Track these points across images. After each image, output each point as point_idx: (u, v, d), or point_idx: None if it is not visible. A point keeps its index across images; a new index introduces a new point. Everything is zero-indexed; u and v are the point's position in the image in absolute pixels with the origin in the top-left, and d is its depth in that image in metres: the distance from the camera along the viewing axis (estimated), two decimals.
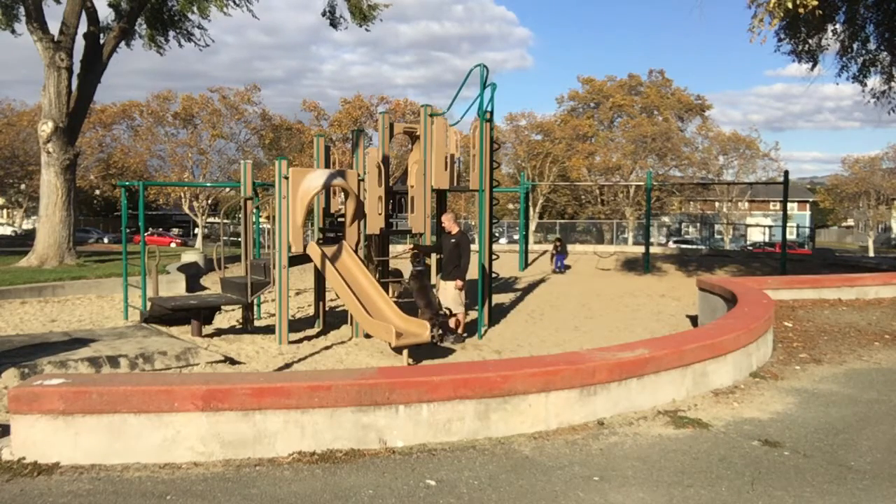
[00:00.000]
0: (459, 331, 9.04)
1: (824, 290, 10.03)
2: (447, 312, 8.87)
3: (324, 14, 20.31)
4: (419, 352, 7.96)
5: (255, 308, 10.33)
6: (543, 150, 46.05)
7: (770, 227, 42.87)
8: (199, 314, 9.00)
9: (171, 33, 20.12)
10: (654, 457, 3.97)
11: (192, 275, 15.30)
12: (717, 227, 48.96)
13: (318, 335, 9.34)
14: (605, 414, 4.60)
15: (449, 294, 8.98)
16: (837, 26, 15.94)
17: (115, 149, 43.98)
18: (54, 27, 17.60)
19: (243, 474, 3.61)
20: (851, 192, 52.74)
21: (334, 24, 20.38)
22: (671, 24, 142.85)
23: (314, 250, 8.63)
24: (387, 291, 8.91)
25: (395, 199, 9.83)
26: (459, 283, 8.93)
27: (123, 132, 44.21)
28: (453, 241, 9.01)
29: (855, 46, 16.45)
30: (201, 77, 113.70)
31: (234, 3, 18.32)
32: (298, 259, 8.95)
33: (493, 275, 10.55)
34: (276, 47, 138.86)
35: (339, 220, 9.71)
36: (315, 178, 8.56)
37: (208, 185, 35.30)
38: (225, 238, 12.45)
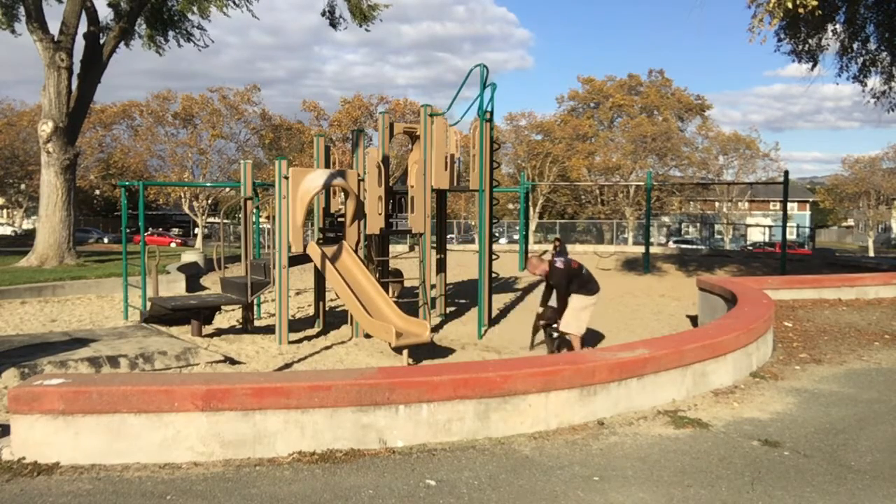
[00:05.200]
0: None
1: (824, 290, 10.03)
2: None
3: (323, 14, 20.30)
4: (419, 352, 7.96)
5: (255, 308, 10.32)
6: (543, 150, 46.05)
7: (770, 227, 42.86)
8: (199, 314, 9.00)
9: (171, 33, 20.12)
10: (654, 457, 3.97)
11: (192, 275, 15.29)
12: (717, 227, 48.94)
13: (318, 335, 9.34)
14: (605, 414, 4.60)
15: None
16: (837, 26, 15.93)
17: (115, 149, 43.98)
18: (54, 27, 17.62)
19: (243, 474, 3.60)
20: (851, 192, 52.72)
21: (334, 24, 20.36)
22: (671, 23, 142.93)
23: (314, 250, 8.64)
24: (387, 291, 8.91)
25: (395, 199, 9.83)
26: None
27: (123, 132, 44.26)
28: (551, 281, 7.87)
29: (855, 46, 16.44)
30: (203, 77, 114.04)
31: (234, 3, 18.32)
32: (298, 259, 8.95)
33: (493, 275, 10.55)
34: (278, 48, 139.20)
35: (339, 220, 9.71)
36: (315, 178, 8.56)
37: (208, 185, 35.30)
38: (226, 241, 12.44)
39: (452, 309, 11.43)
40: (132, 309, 10.88)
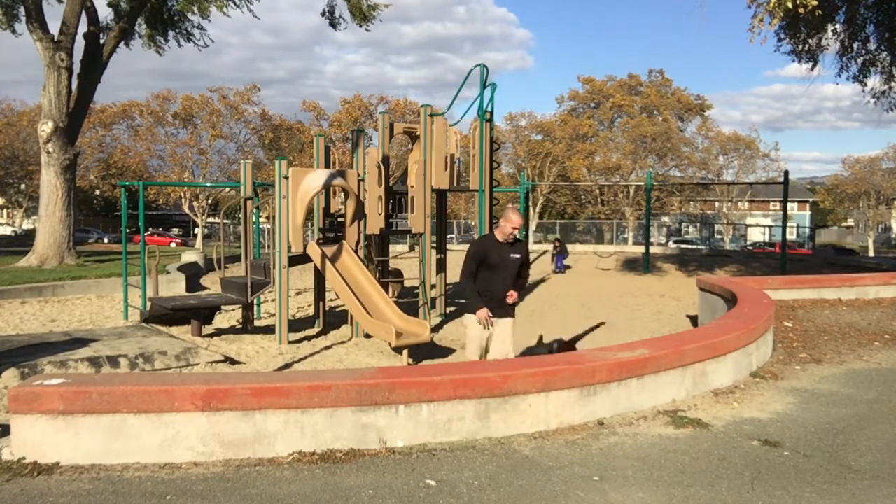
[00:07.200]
0: None
1: (824, 290, 10.02)
2: None
3: (323, 14, 20.31)
4: (419, 352, 7.96)
5: (255, 308, 10.32)
6: (543, 150, 46.07)
7: (770, 227, 42.87)
8: (199, 314, 9.00)
9: (171, 33, 20.14)
10: (654, 457, 3.97)
11: (192, 275, 15.30)
12: (717, 227, 48.96)
13: (318, 335, 9.34)
14: (605, 414, 4.60)
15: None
16: (837, 26, 15.94)
17: (115, 149, 44.02)
18: (54, 27, 17.64)
19: (243, 474, 3.60)
20: (851, 192, 52.77)
21: (334, 24, 20.38)
22: (671, 24, 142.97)
23: (314, 250, 8.64)
24: (387, 291, 8.91)
25: (395, 199, 9.84)
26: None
27: (123, 132, 44.29)
28: (517, 256, 5.59)
29: (855, 46, 16.45)
30: (204, 77, 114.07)
31: (234, 3, 18.33)
32: (298, 259, 8.95)
33: None
34: (279, 48, 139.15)
35: (339, 220, 9.71)
36: (315, 178, 8.56)
37: (208, 185, 35.32)
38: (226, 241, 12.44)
39: (452, 309, 11.42)
40: (132, 309, 10.88)
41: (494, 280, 5.45)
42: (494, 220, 10.89)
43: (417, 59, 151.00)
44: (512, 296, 5.51)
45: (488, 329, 5.53)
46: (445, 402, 4.11)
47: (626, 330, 9.93)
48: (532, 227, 39.55)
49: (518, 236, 5.52)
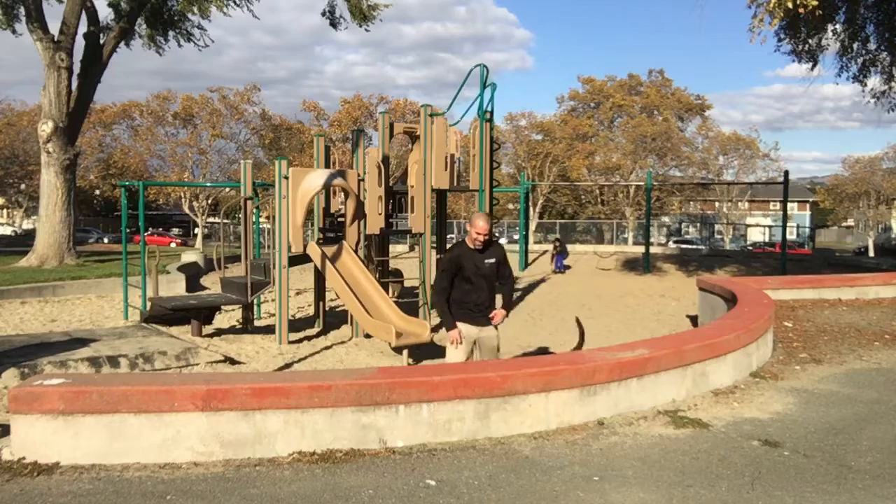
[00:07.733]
0: None
1: (824, 290, 10.02)
2: None
3: (323, 14, 20.31)
4: (419, 352, 7.96)
5: (255, 308, 10.32)
6: (543, 150, 46.03)
7: (770, 227, 42.87)
8: (199, 314, 9.00)
9: (171, 33, 20.13)
10: (654, 457, 3.97)
11: (192, 275, 15.30)
12: (717, 227, 48.98)
13: (318, 335, 9.34)
14: (605, 414, 4.60)
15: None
16: (837, 26, 15.95)
17: (115, 149, 44.01)
18: (54, 27, 17.64)
19: (243, 474, 3.60)
20: (851, 192, 52.76)
21: (334, 24, 20.38)
22: (671, 24, 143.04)
23: (314, 250, 8.64)
24: (387, 291, 8.91)
25: (395, 199, 9.84)
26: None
27: (123, 132, 44.28)
28: (492, 261, 5.28)
29: (855, 46, 16.45)
30: (204, 77, 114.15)
31: (235, 3, 18.33)
32: (298, 259, 8.95)
33: None
34: (280, 48, 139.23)
35: (339, 220, 9.71)
36: (315, 178, 8.57)
37: (208, 185, 35.31)
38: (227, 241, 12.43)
39: None
40: (132, 309, 10.88)
41: (473, 290, 5.17)
42: (495, 220, 10.88)
43: (417, 59, 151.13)
44: (496, 316, 5.24)
45: (468, 345, 5.23)
46: (445, 402, 4.11)
47: (626, 330, 9.93)
48: (532, 227, 39.54)
49: (492, 238, 5.29)
